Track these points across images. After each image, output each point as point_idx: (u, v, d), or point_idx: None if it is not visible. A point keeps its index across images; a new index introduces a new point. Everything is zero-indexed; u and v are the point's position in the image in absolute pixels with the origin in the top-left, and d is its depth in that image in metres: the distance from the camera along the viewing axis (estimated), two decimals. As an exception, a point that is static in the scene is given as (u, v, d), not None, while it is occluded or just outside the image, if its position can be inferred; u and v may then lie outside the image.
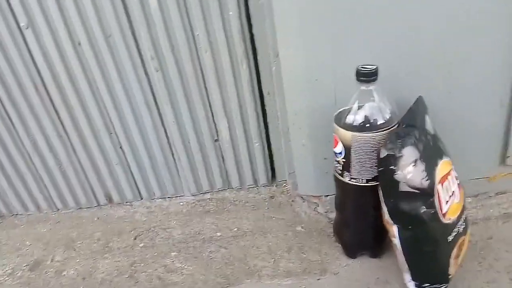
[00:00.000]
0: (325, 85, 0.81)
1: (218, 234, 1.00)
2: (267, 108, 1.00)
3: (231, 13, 0.86)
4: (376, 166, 0.71)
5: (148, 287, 0.87)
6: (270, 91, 0.97)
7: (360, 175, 0.73)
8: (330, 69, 0.80)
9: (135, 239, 1.01)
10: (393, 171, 0.65)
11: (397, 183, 0.66)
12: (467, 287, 0.77)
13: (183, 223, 1.04)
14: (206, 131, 1.01)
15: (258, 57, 0.93)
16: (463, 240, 0.75)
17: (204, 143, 1.03)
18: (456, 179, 0.74)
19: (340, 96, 0.82)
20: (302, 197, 1.04)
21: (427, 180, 0.66)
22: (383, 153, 0.64)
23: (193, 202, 1.11)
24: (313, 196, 1.01)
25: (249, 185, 1.11)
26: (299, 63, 0.81)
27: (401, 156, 0.64)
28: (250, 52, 0.92)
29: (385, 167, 0.65)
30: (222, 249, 0.94)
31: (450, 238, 0.70)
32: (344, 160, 0.74)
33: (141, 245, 0.99)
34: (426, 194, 0.67)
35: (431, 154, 0.68)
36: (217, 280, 0.86)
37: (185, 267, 0.91)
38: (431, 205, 0.67)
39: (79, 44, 0.90)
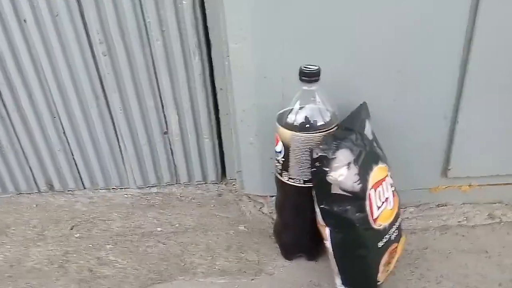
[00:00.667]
0: (273, 83, 0.81)
1: (159, 229, 0.97)
2: (219, 104, 0.98)
3: (184, 2, 0.84)
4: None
5: (77, 278, 0.84)
6: (223, 87, 0.95)
7: (298, 176, 0.73)
8: (279, 68, 0.79)
9: (71, 229, 0.97)
10: (326, 173, 0.64)
11: (329, 185, 0.65)
12: (397, 295, 0.77)
13: (124, 216, 1.01)
14: (155, 123, 0.99)
15: (212, 51, 0.91)
16: (395, 248, 0.75)
17: (152, 135, 1.00)
18: (391, 186, 0.74)
19: (288, 95, 0.81)
20: (249, 197, 1.03)
21: (359, 184, 0.66)
22: (316, 154, 0.63)
23: (138, 195, 1.08)
24: (259, 196, 1.00)
25: (198, 181, 1.09)
26: (248, 59, 0.80)
27: (334, 158, 0.64)
28: (204, 45, 0.90)
29: (318, 168, 0.65)
30: (160, 245, 0.92)
31: (380, 244, 0.70)
32: (283, 159, 0.73)
33: (77, 235, 0.95)
34: (358, 198, 0.67)
35: (366, 158, 0.68)
36: (149, 275, 0.84)
37: (119, 260, 0.87)
38: (362, 209, 0.67)
39: (25, 21, 0.86)
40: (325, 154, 0.63)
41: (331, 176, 0.65)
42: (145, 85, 0.93)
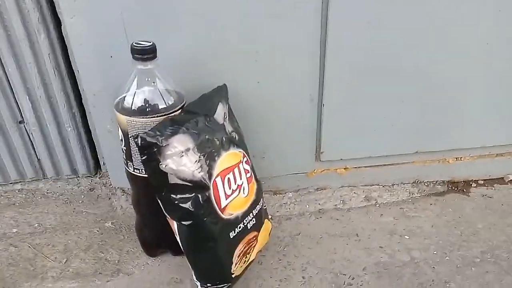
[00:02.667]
0: (121, 63, 0.72)
1: (14, 230, 0.86)
2: (80, 88, 0.88)
3: (17, -29, 0.73)
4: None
5: None
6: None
7: (141, 165, 0.66)
8: (125, 46, 0.71)
9: None
10: (158, 161, 0.58)
11: (165, 174, 0.59)
12: (259, 285, 0.74)
13: (-26, 217, 0.89)
14: (5, 111, 0.87)
15: (62, 28, 0.81)
16: (254, 236, 0.71)
17: (4, 125, 0.88)
18: (247, 172, 0.70)
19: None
20: (123, 190, 0.95)
21: (200, 172, 0.61)
22: (142, 141, 0.57)
23: (-3, 193, 0.96)
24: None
25: (68, 176, 0.98)
26: (88, 36, 0.71)
27: (167, 145, 0.58)
28: (50, 21, 0.80)
29: (148, 157, 0.58)
30: (11, 248, 0.82)
31: (232, 234, 0.66)
32: (125, 148, 0.66)
33: None
34: (199, 187, 0.61)
35: (212, 144, 0.63)
36: (-12, 284, 0.73)
37: (-44, 269, 0.76)
38: (206, 199, 0.62)
39: None
40: (155, 141, 0.57)
41: (165, 165, 0.58)
42: (-14, 69, 0.81)
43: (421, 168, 0.95)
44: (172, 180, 0.60)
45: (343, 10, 0.72)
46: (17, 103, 0.87)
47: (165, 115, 0.63)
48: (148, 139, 0.57)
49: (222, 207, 0.64)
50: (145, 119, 0.62)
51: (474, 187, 0.97)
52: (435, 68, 0.80)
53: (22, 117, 0.89)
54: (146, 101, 0.63)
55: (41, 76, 0.84)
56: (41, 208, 0.92)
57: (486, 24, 0.77)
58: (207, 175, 0.62)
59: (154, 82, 0.63)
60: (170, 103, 0.64)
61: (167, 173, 0.59)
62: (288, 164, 0.90)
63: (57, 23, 0.81)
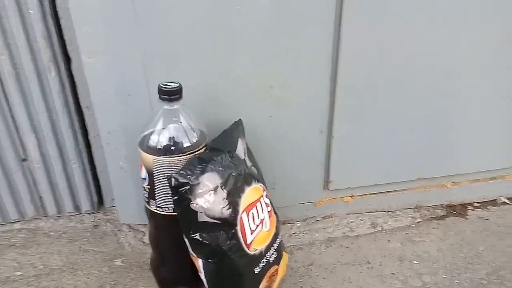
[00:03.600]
0: (139, 102, 0.73)
1: (18, 273, 0.82)
2: (88, 124, 0.88)
3: (31, 11, 0.73)
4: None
5: None
6: (89, 105, 0.85)
7: (165, 203, 0.66)
8: (144, 84, 0.72)
9: None
10: (189, 201, 0.58)
11: (195, 213, 0.59)
12: (281, 319, 0.74)
13: (-26, 262, 0.84)
14: (9, 148, 0.84)
15: (72, 66, 0.81)
16: (276, 270, 0.72)
17: (7, 163, 0.86)
18: (268, 206, 0.71)
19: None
20: (129, 226, 0.93)
21: (228, 209, 0.61)
22: (175, 181, 0.57)
23: (-4, 234, 0.92)
24: (141, 224, 0.91)
25: (70, 213, 0.96)
26: (106, 76, 0.71)
27: (198, 183, 0.58)
28: (61, 59, 0.79)
29: (180, 196, 0.58)
30: (17, 293, 0.78)
31: (257, 269, 0.66)
32: (149, 186, 0.66)
33: None
34: (227, 224, 0.62)
35: (237, 180, 0.64)
36: (-4, 334, 0.70)
37: (-42, 320, 0.72)
38: (234, 236, 0.62)
39: None
40: (186, 181, 0.57)
41: (196, 203, 0.59)
42: (-9, 107, 0.80)
43: (422, 193, 0.99)
44: (201, 218, 0.60)
45: (354, 45, 0.76)
46: (21, 140, 0.85)
47: (191, 153, 0.64)
48: (181, 179, 0.57)
49: (248, 242, 0.64)
50: (172, 158, 0.62)
51: (471, 209, 1.02)
52: (440, 97, 0.85)
53: (25, 155, 0.87)
54: (172, 140, 0.63)
55: (48, 113, 0.83)
56: (44, 248, 0.89)
57: (487, 52, 0.83)
58: (234, 211, 0.62)
59: (180, 122, 0.63)
60: (195, 141, 0.65)
61: (197, 212, 0.59)
62: (297, 194, 0.91)
63: (67, 60, 0.81)
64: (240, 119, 0.76)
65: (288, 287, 0.80)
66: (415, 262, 0.86)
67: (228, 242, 0.62)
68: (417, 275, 0.83)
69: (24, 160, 0.87)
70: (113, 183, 0.83)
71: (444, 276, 0.83)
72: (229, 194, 0.62)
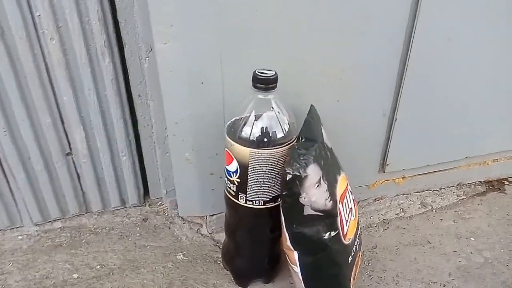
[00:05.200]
0: (213, 90, 0.68)
1: (75, 276, 0.77)
2: (137, 113, 0.82)
3: (87, -10, 0.66)
4: (275, 186, 0.62)
5: None
6: (141, 93, 0.79)
7: (257, 197, 0.63)
8: (219, 72, 0.67)
9: None
10: (299, 195, 0.56)
11: (301, 207, 0.57)
12: (362, 304, 0.74)
13: (23, 265, 0.78)
14: (54, 143, 0.77)
15: (126, 51, 0.74)
16: (359, 257, 0.72)
17: (50, 158, 0.79)
18: (351, 194, 0.69)
19: (229, 103, 0.70)
20: (182, 218, 0.89)
21: (330, 200, 0.59)
22: (289, 175, 0.54)
23: (38, 235, 0.85)
24: (195, 216, 0.88)
25: (114, 207, 0.90)
26: (180, 63, 0.65)
27: (306, 176, 0.56)
28: (115, 43, 0.73)
29: (290, 191, 0.56)
30: (81, 297, 0.73)
31: (350, 259, 0.65)
32: (239, 180, 0.62)
33: (-45, 306, 0.70)
34: (330, 216, 0.60)
35: (331, 170, 0.62)
36: None
37: (27, 331, 0.67)
38: (335, 227, 0.61)
39: None
40: (298, 174, 0.55)
41: (304, 197, 0.56)
42: (37, 97, 0.72)
43: (465, 171, 1.01)
44: (307, 211, 0.58)
45: (427, 34, 0.74)
46: (66, 134, 0.78)
47: (287, 145, 0.61)
48: (294, 172, 0.54)
49: (345, 232, 0.63)
50: (271, 150, 0.59)
51: (507, 184, 1.06)
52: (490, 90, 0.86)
53: (70, 149, 0.80)
54: (266, 132, 0.60)
55: (99, 102, 0.76)
56: (95, 246, 0.84)
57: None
58: (334, 202, 0.61)
59: (278, 112, 0.60)
60: (287, 132, 0.62)
61: (304, 206, 0.57)
62: (354, 178, 0.90)
63: (120, 46, 0.74)
64: (312, 105, 0.73)
65: (359, 272, 0.80)
66: (471, 238, 0.89)
67: (329, 234, 0.60)
68: (477, 251, 0.85)
69: (68, 154, 0.81)
70: (176, 175, 0.78)
71: (502, 250, 0.86)
72: (328, 185, 0.60)
